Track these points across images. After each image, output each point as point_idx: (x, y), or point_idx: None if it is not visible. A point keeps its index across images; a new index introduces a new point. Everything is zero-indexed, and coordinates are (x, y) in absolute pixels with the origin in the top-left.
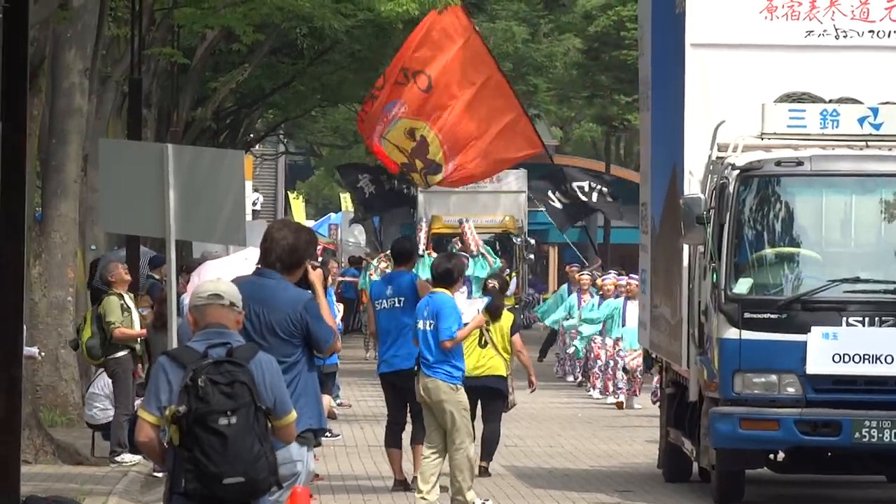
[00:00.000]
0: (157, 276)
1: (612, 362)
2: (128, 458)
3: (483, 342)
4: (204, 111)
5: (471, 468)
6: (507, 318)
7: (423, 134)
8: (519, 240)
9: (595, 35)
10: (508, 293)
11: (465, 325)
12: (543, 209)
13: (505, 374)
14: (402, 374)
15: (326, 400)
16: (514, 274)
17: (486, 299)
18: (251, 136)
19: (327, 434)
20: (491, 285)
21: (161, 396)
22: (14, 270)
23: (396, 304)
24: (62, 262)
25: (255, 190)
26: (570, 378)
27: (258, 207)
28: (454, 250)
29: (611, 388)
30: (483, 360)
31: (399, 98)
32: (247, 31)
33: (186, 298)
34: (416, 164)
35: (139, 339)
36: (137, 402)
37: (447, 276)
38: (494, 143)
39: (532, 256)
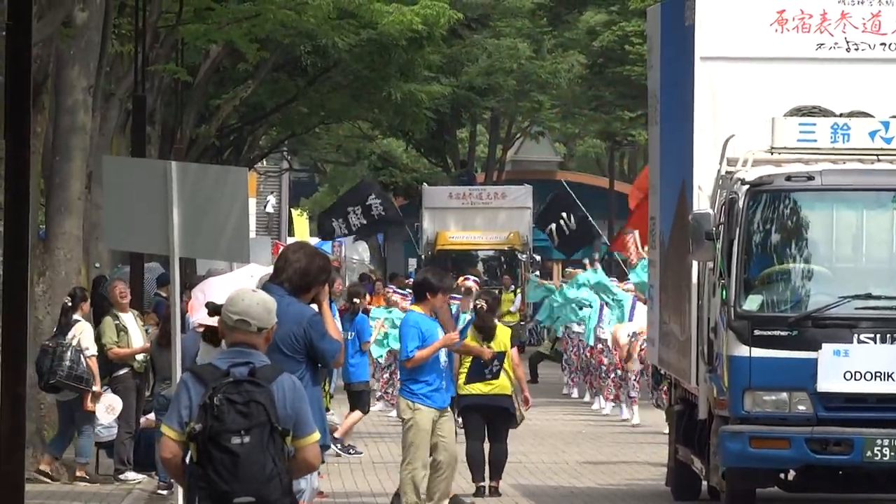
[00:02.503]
0: (164, 294)
1: (618, 372)
2: (132, 475)
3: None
4: (208, 128)
5: (415, 489)
6: (504, 333)
7: None
8: (524, 256)
9: (599, 51)
10: (513, 309)
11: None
12: (548, 230)
13: (509, 393)
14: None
15: (356, 417)
16: (518, 291)
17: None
18: (255, 153)
19: (350, 451)
20: (479, 305)
21: (182, 412)
22: (18, 288)
23: None
24: (66, 280)
25: (271, 193)
26: (575, 394)
27: (270, 210)
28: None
29: (622, 398)
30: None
31: None
32: (250, 49)
33: (192, 317)
34: None
35: (136, 357)
36: (142, 419)
37: (417, 292)
38: None
39: (537, 273)
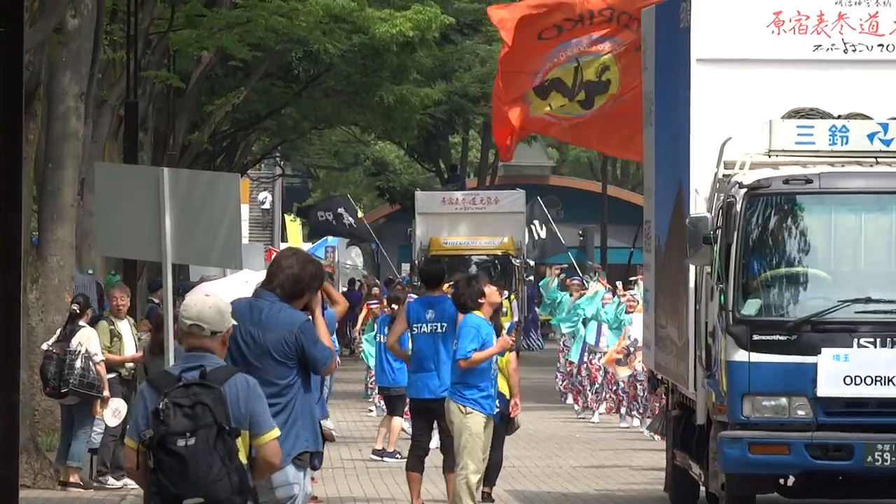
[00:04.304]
0: (156, 300)
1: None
2: (111, 481)
3: None
4: (200, 135)
5: (470, 494)
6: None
7: (610, 77)
8: (518, 261)
9: None
10: (516, 318)
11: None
12: (529, 235)
13: (506, 398)
14: (440, 402)
15: (397, 424)
16: (512, 297)
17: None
18: (248, 158)
19: (397, 456)
20: None
21: (140, 422)
22: (11, 295)
23: (438, 330)
24: (59, 287)
25: (265, 189)
26: (570, 400)
27: (267, 206)
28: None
29: (623, 410)
30: None
31: (615, 36)
32: (242, 50)
33: None
34: (579, 93)
35: (125, 364)
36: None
37: (470, 302)
38: (610, 124)
39: (531, 278)
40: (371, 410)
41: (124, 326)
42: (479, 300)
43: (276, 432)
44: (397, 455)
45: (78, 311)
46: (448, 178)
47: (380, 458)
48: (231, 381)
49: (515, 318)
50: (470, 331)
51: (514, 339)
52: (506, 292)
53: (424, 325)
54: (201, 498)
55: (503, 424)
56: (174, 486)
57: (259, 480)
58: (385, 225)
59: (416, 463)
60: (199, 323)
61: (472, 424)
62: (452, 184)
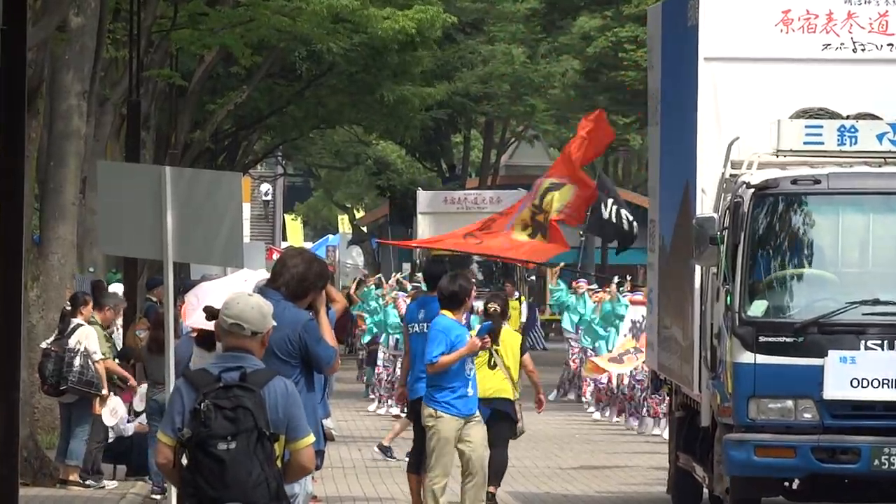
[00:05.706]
0: (154, 298)
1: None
2: (104, 482)
3: (492, 364)
4: (202, 133)
5: (434, 499)
6: (514, 338)
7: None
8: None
9: (593, 56)
10: (523, 318)
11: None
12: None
13: (512, 398)
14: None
15: (404, 423)
16: (522, 298)
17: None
18: (249, 157)
19: (391, 455)
20: (492, 309)
21: (176, 418)
22: (12, 293)
23: (425, 330)
24: (60, 285)
25: (265, 182)
26: (571, 395)
27: (268, 198)
28: None
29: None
30: (491, 383)
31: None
32: (245, 53)
33: (185, 322)
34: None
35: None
36: (134, 424)
37: (454, 299)
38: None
39: (533, 279)
40: (381, 407)
41: (114, 334)
42: (466, 298)
43: (311, 438)
44: (391, 454)
45: (70, 309)
46: (448, 177)
47: (381, 455)
48: (270, 385)
49: (523, 320)
50: (437, 335)
51: (485, 341)
52: (516, 293)
53: (416, 325)
54: (240, 503)
55: (508, 426)
56: (213, 490)
57: (289, 483)
58: (385, 224)
59: (416, 464)
60: (239, 322)
61: (441, 428)
62: (452, 182)
